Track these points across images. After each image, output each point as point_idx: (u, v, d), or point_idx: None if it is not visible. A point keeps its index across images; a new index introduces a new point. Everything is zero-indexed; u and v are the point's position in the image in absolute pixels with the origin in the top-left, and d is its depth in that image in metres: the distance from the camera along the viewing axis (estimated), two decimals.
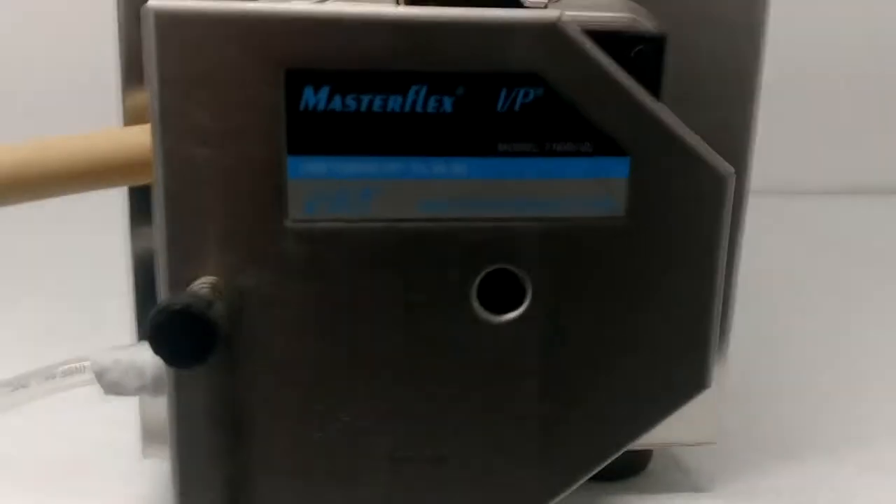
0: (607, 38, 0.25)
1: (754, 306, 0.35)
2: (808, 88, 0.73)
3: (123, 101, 0.25)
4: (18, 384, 0.23)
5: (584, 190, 0.21)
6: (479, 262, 0.21)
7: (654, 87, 0.26)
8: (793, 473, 0.32)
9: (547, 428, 0.22)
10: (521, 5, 0.21)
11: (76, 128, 0.22)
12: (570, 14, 0.29)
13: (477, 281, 0.21)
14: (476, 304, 0.21)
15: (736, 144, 0.30)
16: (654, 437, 0.25)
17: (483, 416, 0.22)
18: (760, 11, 0.31)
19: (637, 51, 0.25)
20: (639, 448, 0.31)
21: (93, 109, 0.32)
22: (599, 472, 0.23)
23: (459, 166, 0.20)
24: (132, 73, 0.25)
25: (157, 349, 0.17)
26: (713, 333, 0.22)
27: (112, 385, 0.23)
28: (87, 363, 0.23)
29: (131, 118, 0.24)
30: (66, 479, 0.29)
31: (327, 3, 0.22)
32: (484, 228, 0.21)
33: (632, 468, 0.33)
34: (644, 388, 0.22)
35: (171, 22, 0.19)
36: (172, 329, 0.17)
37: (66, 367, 0.23)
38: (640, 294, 0.21)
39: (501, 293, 0.21)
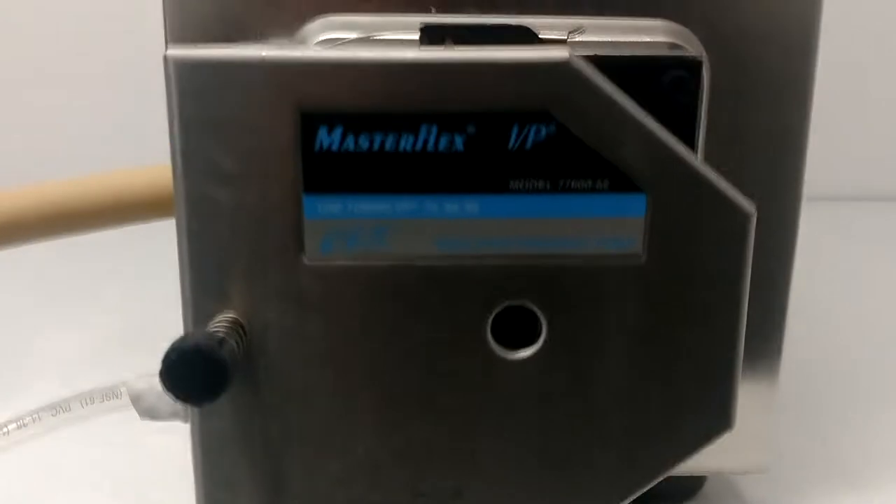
0: (640, 64, 0.25)
1: (808, 320, 0.34)
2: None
3: None
4: (61, 408, 0.24)
5: (600, 228, 0.20)
6: (494, 298, 0.21)
7: (691, 113, 0.25)
8: (849, 501, 0.31)
9: (564, 465, 0.22)
10: (537, 39, 0.21)
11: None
12: (599, 41, 0.29)
13: (492, 317, 0.21)
14: (491, 340, 0.21)
15: (790, 151, 0.30)
16: (704, 464, 0.25)
17: (501, 452, 0.22)
18: (814, 15, 0.30)
19: (671, 77, 0.25)
20: (689, 474, 0.30)
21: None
22: (650, 494, 0.23)
23: (472, 205, 0.20)
24: None
25: (169, 387, 0.18)
26: (736, 374, 0.21)
27: (147, 410, 0.24)
28: (123, 389, 0.24)
29: None
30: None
31: (344, 45, 0.22)
32: (498, 265, 0.21)
33: (685, 491, 0.32)
34: (664, 428, 0.22)
35: (189, 69, 0.19)
36: (183, 368, 0.18)
37: (104, 391, 0.24)
38: (660, 333, 0.21)
39: (518, 329, 0.21)
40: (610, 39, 0.30)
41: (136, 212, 0.23)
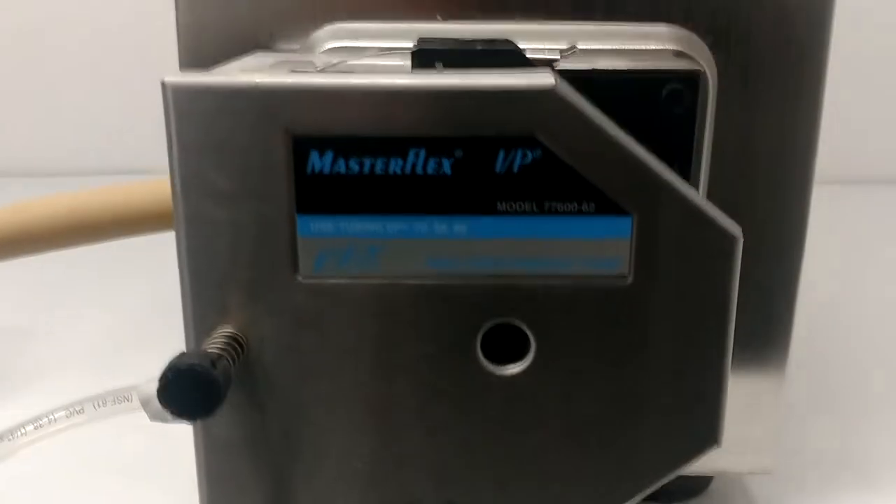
0: (637, 79, 0.25)
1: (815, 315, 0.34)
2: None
3: None
4: (74, 409, 0.26)
5: (586, 249, 0.21)
6: (483, 316, 0.22)
7: (689, 125, 0.25)
8: (859, 500, 0.31)
9: (553, 478, 0.23)
10: (528, 62, 0.21)
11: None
12: (603, 49, 0.29)
13: (481, 333, 0.22)
14: (481, 356, 0.22)
15: (799, 154, 0.30)
16: (710, 465, 0.25)
17: (493, 465, 0.23)
18: (824, 20, 0.30)
19: (669, 90, 0.25)
20: (696, 474, 0.30)
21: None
22: (657, 493, 0.23)
23: (460, 226, 0.21)
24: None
25: (166, 405, 0.19)
26: (723, 392, 0.22)
27: (156, 413, 0.25)
28: (134, 392, 0.25)
29: None
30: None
31: (338, 70, 0.23)
32: (487, 284, 0.21)
33: (692, 490, 0.32)
34: (651, 444, 0.22)
35: (186, 95, 0.20)
36: (179, 387, 0.19)
37: (116, 394, 0.25)
38: (646, 352, 0.21)
39: (508, 344, 0.22)
40: (614, 47, 0.30)
41: (141, 225, 0.24)
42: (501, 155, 0.20)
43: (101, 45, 0.74)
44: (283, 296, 0.21)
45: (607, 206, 0.21)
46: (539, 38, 0.30)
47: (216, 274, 0.21)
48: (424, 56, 0.21)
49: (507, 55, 0.21)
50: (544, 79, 0.20)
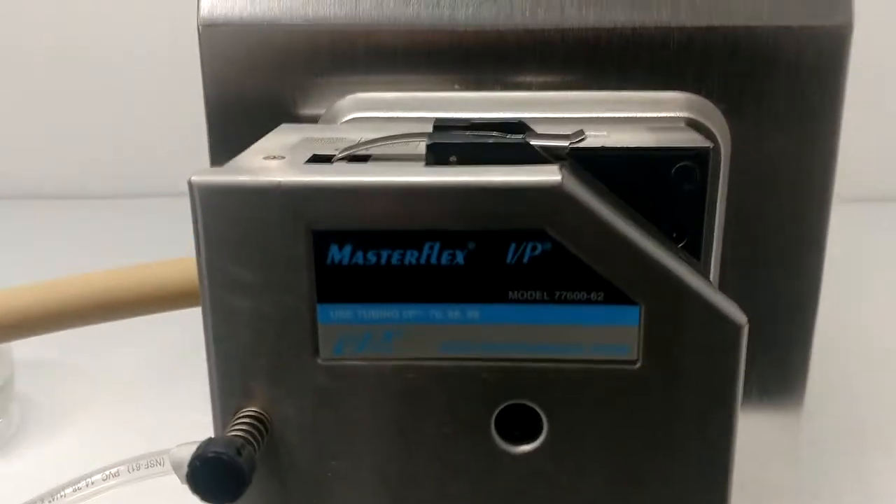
0: (646, 156, 0.25)
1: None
2: None
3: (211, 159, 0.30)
4: (110, 473, 0.27)
5: (596, 336, 0.22)
6: (497, 397, 0.22)
7: (699, 200, 0.26)
8: None
9: None
10: (538, 155, 0.22)
11: None
12: (616, 118, 0.29)
13: (495, 414, 0.23)
14: (495, 435, 0.23)
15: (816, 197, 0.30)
16: None
17: None
18: (837, 89, 0.30)
19: (678, 168, 0.26)
20: None
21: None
22: None
23: (473, 312, 0.22)
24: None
25: (194, 491, 0.20)
26: (730, 474, 0.22)
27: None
28: (166, 457, 0.26)
29: None
30: None
31: (356, 154, 0.24)
32: (500, 367, 0.22)
33: None
34: None
35: (212, 194, 0.21)
36: (206, 474, 0.20)
37: (149, 458, 0.26)
38: (655, 437, 0.22)
39: (522, 424, 0.23)
40: (627, 115, 0.30)
41: (174, 303, 0.25)
42: (512, 247, 0.21)
43: (119, 67, 0.75)
44: (304, 378, 0.22)
45: (616, 296, 0.21)
46: (553, 107, 0.31)
47: (241, 359, 0.22)
48: (439, 150, 0.22)
49: (517, 149, 0.22)
50: (551, 176, 0.21)
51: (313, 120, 0.32)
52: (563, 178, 0.20)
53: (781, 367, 0.32)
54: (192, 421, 0.24)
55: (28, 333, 0.25)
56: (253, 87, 0.32)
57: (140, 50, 0.75)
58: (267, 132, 0.28)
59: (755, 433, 0.32)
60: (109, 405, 0.42)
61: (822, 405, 0.33)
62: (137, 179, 0.76)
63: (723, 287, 0.29)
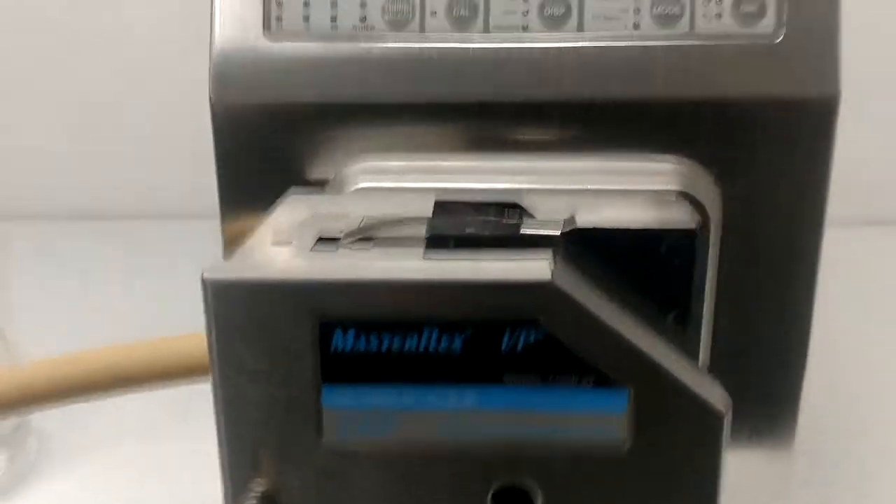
0: (638, 236, 0.27)
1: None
2: None
3: (222, 229, 0.31)
4: None
5: (586, 420, 0.23)
6: (492, 477, 0.23)
7: (687, 274, 0.27)
8: None
9: None
10: (531, 243, 0.23)
11: None
12: (607, 189, 0.30)
13: (491, 492, 0.24)
14: None
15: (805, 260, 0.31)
16: None
17: None
18: (825, 152, 0.31)
19: (667, 245, 0.27)
20: None
21: None
22: None
23: (469, 396, 0.23)
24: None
25: None
26: None
27: None
28: None
29: (229, 242, 0.29)
30: None
31: (359, 251, 0.25)
32: (495, 449, 0.23)
33: None
34: None
35: (223, 288, 0.22)
36: None
37: None
38: None
39: (517, 502, 0.24)
40: (618, 187, 0.32)
41: (187, 376, 0.26)
42: (507, 336, 0.22)
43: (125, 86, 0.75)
44: (309, 458, 0.24)
45: (605, 381, 0.22)
46: (550, 178, 0.32)
47: (249, 438, 0.24)
48: (437, 239, 0.23)
49: (512, 240, 0.23)
50: (542, 273, 0.22)
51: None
52: (553, 275, 0.22)
53: (771, 412, 0.33)
54: (213, 462, 0.25)
55: (42, 407, 0.27)
56: (263, 152, 0.33)
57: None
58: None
59: (745, 467, 0.33)
60: (130, 442, 0.42)
61: (812, 437, 0.33)
62: (148, 201, 0.76)
63: (715, 347, 0.30)
